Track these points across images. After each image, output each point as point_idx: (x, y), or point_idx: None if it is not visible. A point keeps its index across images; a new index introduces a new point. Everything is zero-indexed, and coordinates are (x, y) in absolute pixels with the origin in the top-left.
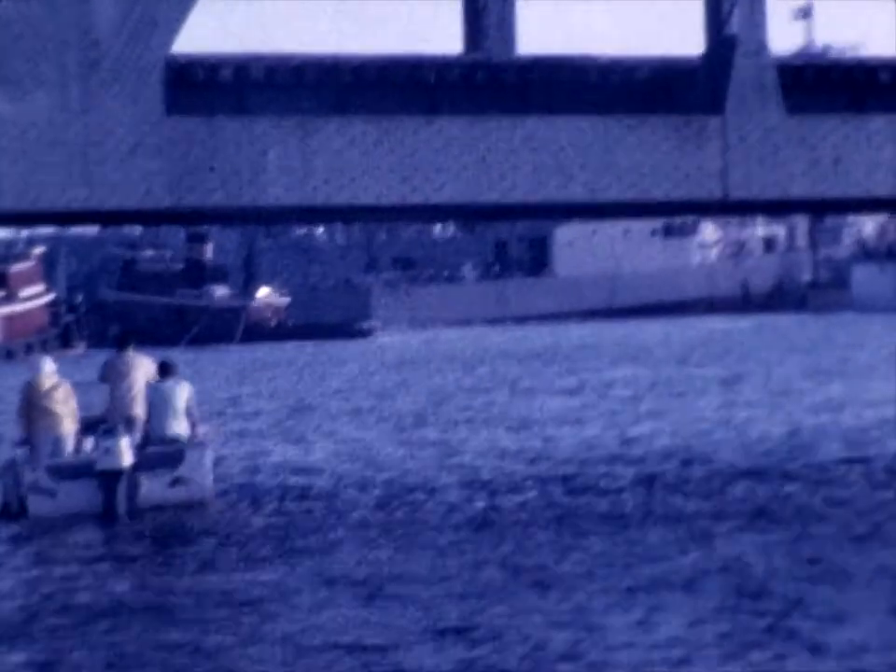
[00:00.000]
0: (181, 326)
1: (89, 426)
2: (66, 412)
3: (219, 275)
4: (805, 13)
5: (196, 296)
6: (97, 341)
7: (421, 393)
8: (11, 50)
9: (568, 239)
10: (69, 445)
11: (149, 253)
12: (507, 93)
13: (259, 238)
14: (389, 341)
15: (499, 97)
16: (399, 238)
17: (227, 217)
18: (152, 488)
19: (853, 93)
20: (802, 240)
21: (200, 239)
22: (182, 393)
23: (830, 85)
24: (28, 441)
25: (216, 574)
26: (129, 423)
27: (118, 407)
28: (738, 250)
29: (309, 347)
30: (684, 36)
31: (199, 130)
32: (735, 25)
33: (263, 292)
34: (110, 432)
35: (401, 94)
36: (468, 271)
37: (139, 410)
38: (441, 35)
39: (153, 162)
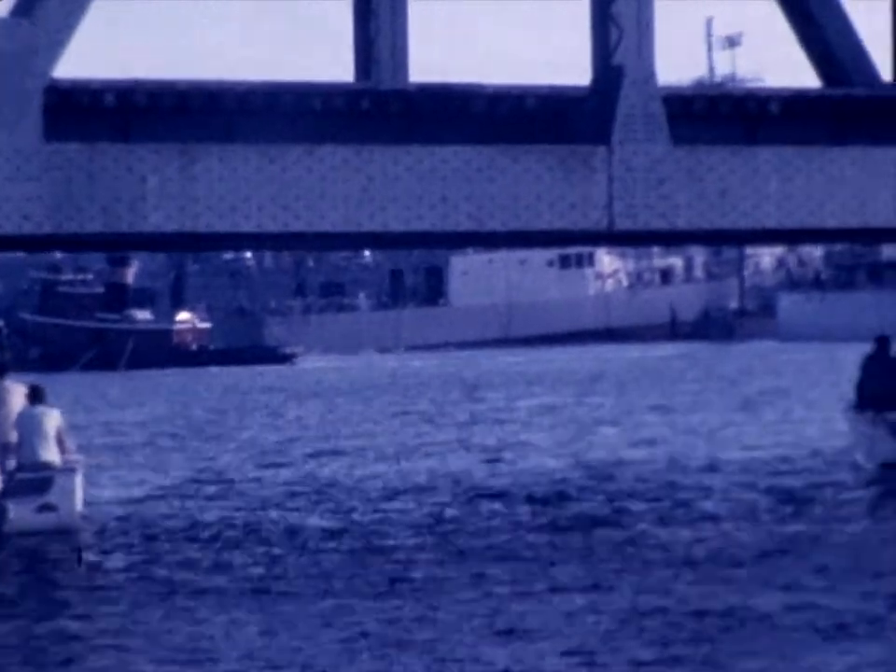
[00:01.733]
0: (102, 349)
1: None
2: None
3: (141, 299)
4: (732, 42)
5: (117, 319)
6: (19, 364)
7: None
8: None
9: (464, 268)
10: None
11: (69, 276)
12: (393, 122)
13: (188, 262)
14: (311, 366)
15: (386, 126)
16: (327, 263)
17: (106, 244)
18: (20, 514)
19: (743, 124)
20: (699, 271)
21: (121, 263)
22: (51, 420)
23: (719, 116)
24: None
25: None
26: (5, 449)
27: None
28: (635, 281)
29: (226, 372)
30: (576, 66)
31: (79, 156)
32: (622, 55)
33: (184, 316)
34: None
35: (287, 122)
36: (362, 300)
37: (14, 436)
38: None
39: (32, 188)
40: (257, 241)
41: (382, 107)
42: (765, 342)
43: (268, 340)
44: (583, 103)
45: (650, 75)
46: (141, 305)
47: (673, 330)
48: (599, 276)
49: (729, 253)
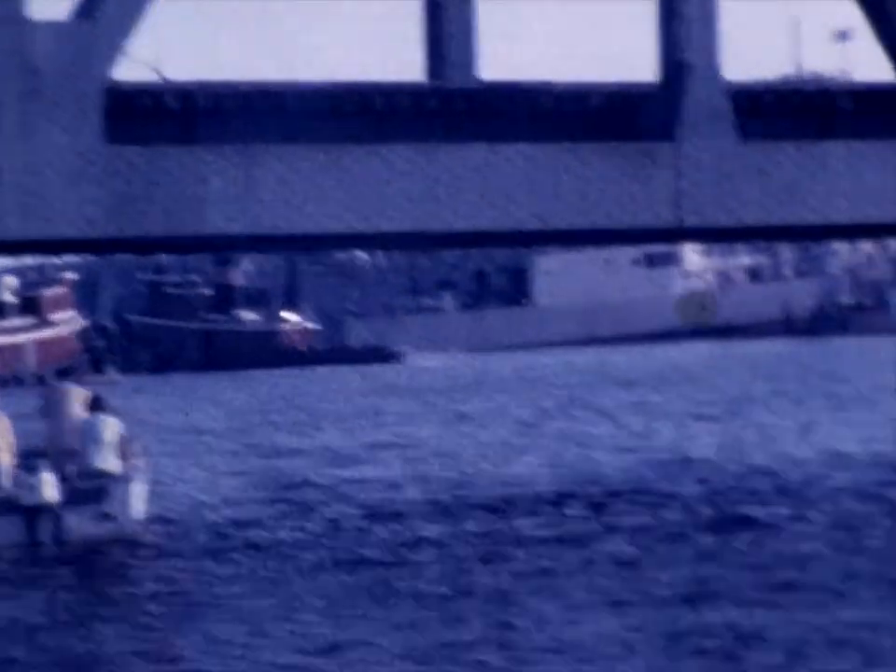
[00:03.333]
0: (209, 350)
1: (29, 457)
2: (2, 445)
3: (254, 299)
4: (844, 36)
5: (225, 320)
6: (129, 366)
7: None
8: None
9: (548, 268)
10: (5, 478)
11: (176, 278)
12: (458, 121)
13: (301, 261)
14: (421, 365)
15: (450, 124)
16: (443, 262)
17: (168, 247)
18: (78, 523)
19: (812, 120)
20: (787, 268)
21: (228, 263)
22: (111, 428)
23: (790, 111)
24: None
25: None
26: (67, 456)
27: (55, 440)
28: (723, 280)
29: (338, 371)
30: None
31: (140, 158)
32: (688, 51)
33: (291, 317)
34: (34, 468)
35: (350, 122)
36: (447, 300)
37: (76, 443)
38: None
39: (93, 191)
40: (320, 242)
41: (447, 106)
42: (881, 336)
43: (354, 340)
44: (650, 99)
45: (716, 70)
46: (253, 306)
47: (788, 326)
48: (686, 275)
49: (817, 250)
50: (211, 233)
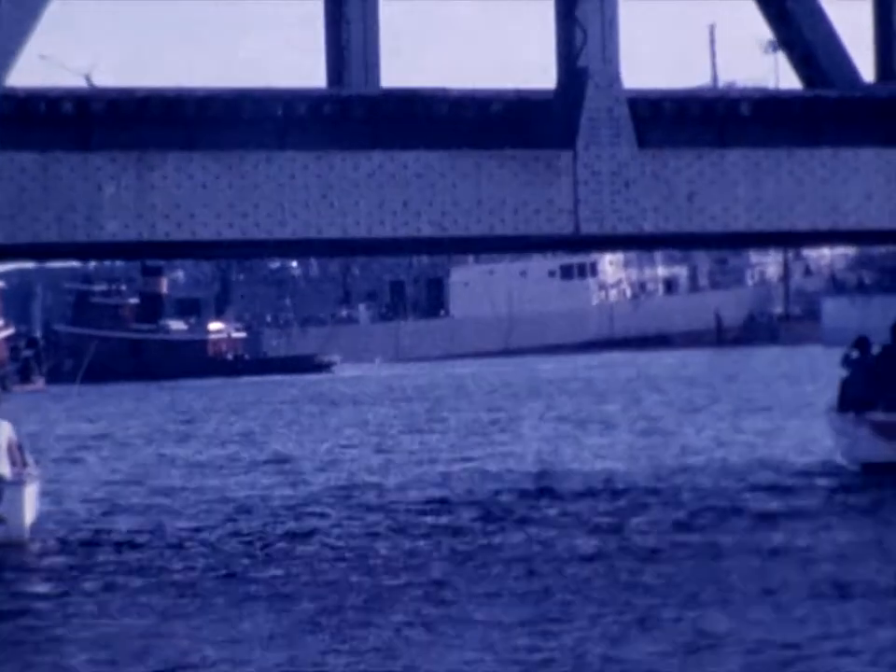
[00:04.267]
0: (136, 360)
1: None
2: None
3: (180, 308)
4: (775, 46)
5: (151, 330)
6: (55, 376)
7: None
8: None
9: (464, 280)
10: None
11: (103, 287)
12: (356, 127)
13: (233, 271)
14: (349, 375)
15: (349, 131)
16: (372, 272)
17: (61, 254)
18: None
19: (713, 127)
20: (703, 280)
21: (155, 272)
22: (1, 432)
23: (689, 119)
24: None
25: None
26: None
27: None
28: (639, 290)
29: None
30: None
31: (33, 165)
32: (586, 58)
33: (218, 326)
34: None
35: (248, 129)
36: (362, 311)
37: None
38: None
39: None
40: (215, 249)
41: (345, 113)
42: (810, 346)
43: (271, 350)
44: (548, 107)
45: (614, 78)
46: (184, 314)
47: (719, 336)
48: (602, 286)
49: (735, 261)
50: (105, 240)
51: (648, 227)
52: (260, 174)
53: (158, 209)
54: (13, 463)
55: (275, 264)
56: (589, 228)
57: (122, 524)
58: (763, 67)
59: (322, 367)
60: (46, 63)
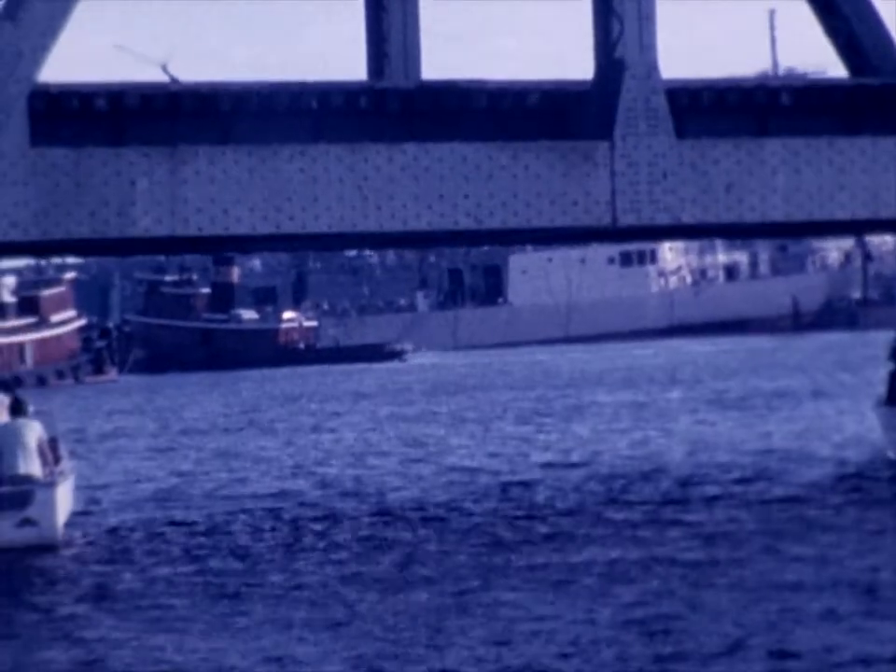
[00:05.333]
0: (208, 349)
1: None
2: None
3: (256, 298)
4: None
5: (223, 319)
6: (125, 366)
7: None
8: None
9: (522, 267)
10: None
11: (174, 277)
12: (391, 120)
13: (310, 259)
14: (420, 363)
15: (384, 124)
16: (448, 259)
17: (95, 250)
18: None
19: (753, 117)
20: (764, 266)
21: (226, 262)
22: (32, 432)
23: (729, 109)
24: None
25: None
26: None
27: None
28: (700, 278)
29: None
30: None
31: (66, 160)
32: (624, 49)
33: (290, 315)
34: None
35: (283, 123)
36: (420, 299)
37: None
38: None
39: (18, 194)
40: (250, 243)
41: (380, 106)
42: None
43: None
44: (586, 98)
45: (652, 68)
46: (261, 304)
47: (796, 321)
48: (662, 273)
49: (795, 248)
50: (138, 235)
51: (686, 217)
52: (294, 167)
53: (190, 204)
54: (45, 463)
55: (352, 253)
56: (626, 219)
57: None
58: (826, 54)
59: (394, 355)
60: (119, 55)
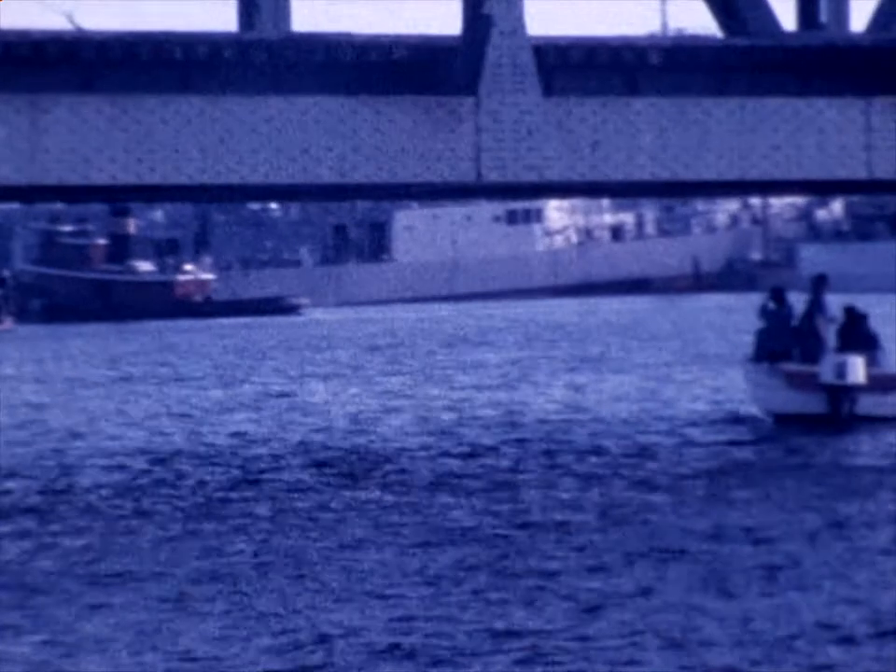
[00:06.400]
0: (103, 300)
1: None
2: None
3: (157, 249)
4: None
5: (119, 271)
6: (21, 316)
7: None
8: None
9: (407, 224)
10: None
11: (70, 227)
12: (257, 72)
13: (214, 212)
14: (319, 317)
15: (249, 76)
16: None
17: None
18: None
19: (621, 76)
20: (650, 227)
21: (123, 213)
22: None
23: (597, 67)
24: None
25: None
26: None
27: None
28: (585, 237)
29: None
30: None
31: None
32: (491, 5)
33: (187, 268)
34: None
35: (147, 73)
36: (304, 254)
37: None
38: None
39: None
40: (112, 193)
41: (245, 57)
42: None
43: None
44: (452, 53)
45: (519, 24)
46: (162, 256)
47: (697, 282)
48: (548, 233)
49: (682, 209)
50: None
51: (551, 175)
52: (156, 118)
53: (51, 153)
54: None
55: (255, 206)
56: (491, 176)
57: None
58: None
59: (291, 309)
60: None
